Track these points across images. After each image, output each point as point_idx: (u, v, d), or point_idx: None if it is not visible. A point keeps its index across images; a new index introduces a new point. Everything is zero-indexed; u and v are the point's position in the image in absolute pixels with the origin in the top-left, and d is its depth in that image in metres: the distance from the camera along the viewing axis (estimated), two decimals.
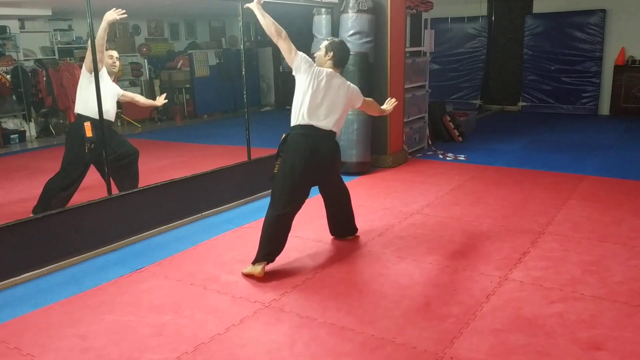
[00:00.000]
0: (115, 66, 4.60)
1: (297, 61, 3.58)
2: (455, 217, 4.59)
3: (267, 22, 3.64)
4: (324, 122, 3.60)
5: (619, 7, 9.82)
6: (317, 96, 3.56)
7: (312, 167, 3.60)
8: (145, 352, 2.70)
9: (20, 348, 2.78)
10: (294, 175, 3.57)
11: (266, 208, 3.65)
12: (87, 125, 4.29)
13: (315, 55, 3.76)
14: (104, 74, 4.42)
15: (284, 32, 3.63)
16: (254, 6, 3.70)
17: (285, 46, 3.61)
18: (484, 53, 11.25)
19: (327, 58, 3.67)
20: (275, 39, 3.64)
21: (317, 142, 3.60)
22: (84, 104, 4.38)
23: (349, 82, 3.75)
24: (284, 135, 3.73)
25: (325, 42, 3.73)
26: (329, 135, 3.64)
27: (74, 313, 3.13)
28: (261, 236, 3.58)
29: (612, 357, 2.54)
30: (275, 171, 3.71)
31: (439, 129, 7.93)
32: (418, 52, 7.58)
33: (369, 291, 3.29)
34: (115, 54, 4.58)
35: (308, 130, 3.58)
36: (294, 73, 3.66)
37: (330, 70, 3.65)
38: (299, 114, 3.60)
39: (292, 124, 3.65)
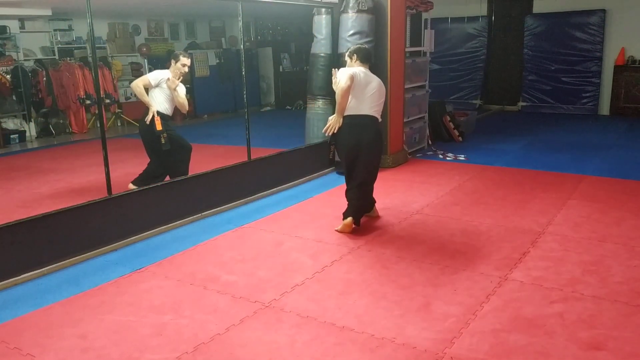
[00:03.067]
0: (185, 73, 5.08)
1: (351, 83, 4.13)
2: (455, 217, 4.59)
3: (341, 101, 4.18)
4: (372, 110, 4.30)
5: (619, 7, 9.82)
6: (362, 90, 4.22)
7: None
8: (145, 352, 2.70)
9: (20, 348, 2.78)
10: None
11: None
12: (157, 119, 4.96)
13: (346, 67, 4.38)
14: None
15: (341, 89, 4.13)
16: (334, 120, 4.28)
17: (347, 87, 4.12)
18: (484, 53, 11.24)
19: (354, 61, 4.36)
20: (348, 95, 4.18)
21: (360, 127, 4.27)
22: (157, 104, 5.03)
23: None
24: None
25: (347, 54, 4.42)
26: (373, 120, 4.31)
27: (74, 313, 3.13)
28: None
29: (612, 357, 2.55)
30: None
31: (439, 129, 7.93)
32: (418, 52, 7.58)
33: (369, 291, 3.29)
34: (188, 62, 5.04)
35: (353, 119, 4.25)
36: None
37: (362, 68, 4.29)
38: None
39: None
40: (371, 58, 4.45)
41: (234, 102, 11.50)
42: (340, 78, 4.18)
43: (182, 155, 5.15)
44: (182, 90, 5.06)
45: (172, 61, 5.00)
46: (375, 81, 4.30)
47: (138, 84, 4.96)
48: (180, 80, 5.04)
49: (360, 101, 4.21)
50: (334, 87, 4.27)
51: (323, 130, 4.40)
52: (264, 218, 4.76)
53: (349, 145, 4.27)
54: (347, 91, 4.12)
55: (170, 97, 5.03)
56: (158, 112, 4.98)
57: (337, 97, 4.21)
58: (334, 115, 4.28)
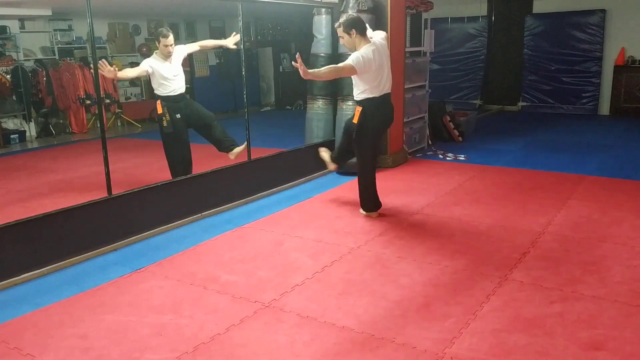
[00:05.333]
0: (169, 52, 5.01)
1: (360, 68, 4.05)
2: (455, 217, 4.59)
3: (324, 75, 4.10)
4: (388, 86, 4.33)
5: (619, 7, 9.82)
6: (380, 69, 4.20)
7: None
8: (145, 352, 2.70)
9: (20, 348, 2.78)
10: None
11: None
12: (158, 103, 5.02)
13: (343, 44, 4.30)
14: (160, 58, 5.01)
15: (336, 68, 4.12)
16: (306, 75, 4.03)
17: (345, 73, 4.09)
18: (484, 53, 11.25)
19: (354, 36, 4.15)
20: (338, 76, 4.20)
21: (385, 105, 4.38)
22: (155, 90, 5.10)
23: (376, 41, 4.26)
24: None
25: (340, 29, 4.18)
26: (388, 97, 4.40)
27: (74, 313, 3.13)
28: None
29: (612, 357, 2.55)
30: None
31: (439, 129, 7.93)
32: (418, 52, 7.58)
33: (369, 291, 3.29)
34: (169, 42, 4.95)
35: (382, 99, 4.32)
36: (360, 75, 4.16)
37: (369, 44, 4.15)
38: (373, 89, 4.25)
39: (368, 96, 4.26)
40: (365, 26, 4.30)
41: (234, 102, 11.49)
42: (352, 58, 4.09)
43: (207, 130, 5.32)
44: (131, 71, 5.06)
45: (157, 43, 5.05)
46: (385, 54, 4.24)
47: (127, 74, 5.07)
48: (169, 59, 5.00)
49: (380, 80, 4.22)
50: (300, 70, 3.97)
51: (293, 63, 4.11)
52: (264, 218, 4.76)
53: (379, 127, 4.39)
54: (339, 74, 4.13)
55: (166, 78, 5.00)
56: (159, 97, 5.05)
57: (327, 70, 4.12)
58: (308, 69, 4.00)
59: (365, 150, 4.45)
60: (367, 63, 4.10)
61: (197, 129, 5.33)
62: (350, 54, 4.21)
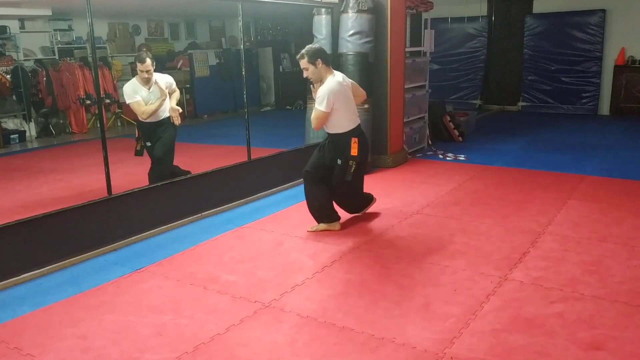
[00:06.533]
0: (145, 78, 4.83)
1: (332, 106, 3.98)
2: (455, 217, 4.59)
3: (315, 125, 4.10)
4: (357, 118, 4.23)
5: (619, 7, 9.82)
6: (348, 99, 4.12)
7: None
8: (145, 352, 2.70)
9: (20, 348, 2.78)
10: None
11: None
12: (137, 125, 4.98)
13: (306, 77, 4.08)
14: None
15: (314, 118, 4.05)
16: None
17: (324, 118, 4.03)
18: (484, 53, 11.24)
19: (320, 66, 4.00)
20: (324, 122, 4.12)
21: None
22: None
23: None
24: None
25: (304, 59, 3.97)
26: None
27: (74, 313, 3.13)
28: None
29: (612, 357, 2.54)
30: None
31: (439, 129, 7.93)
32: (418, 52, 7.58)
33: (369, 291, 3.29)
34: (145, 68, 4.75)
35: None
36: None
37: (335, 76, 4.04)
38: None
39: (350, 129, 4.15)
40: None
41: (234, 102, 11.49)
42: (320, 97, 3.97)
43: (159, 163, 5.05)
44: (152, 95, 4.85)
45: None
46: (348, 84, 4.15)
47: (142, 108, 4.82)
48: (152, 86, 4.82)
49: (353, 109, 4.18)
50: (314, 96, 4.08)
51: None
52: (264, 218, 4.76)
53: (366, 153, 4.41)
54: (327, 116, 4.01)
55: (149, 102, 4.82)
56: (136, 122, 5.01)
57: (313, 120, 4.04)
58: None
59: (357, 181, 4.33)
60: (336, 96, 3.99)
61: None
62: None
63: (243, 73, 5.42)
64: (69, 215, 3.92)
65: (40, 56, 9.60)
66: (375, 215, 4.71)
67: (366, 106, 6.07)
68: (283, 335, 2.83)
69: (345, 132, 4.13)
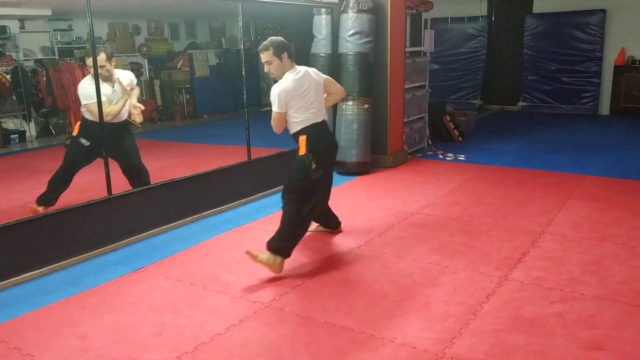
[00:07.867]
0: (101, 74, 4.40)
1: (285, 105, 3.65)
2: (455, 217, 4.59)
3: (275, 128, 3.77)
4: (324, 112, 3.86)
5: (619, 7, 9.82)
6: (305, 97, 3.69)
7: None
8: (145, 352, 2.70)
9: (20, 348, 2.78)
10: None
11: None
12: (77, 124, 4.66)
13: (268, 72, 3.74)
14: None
15: (273, 122, 3.76)
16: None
17: (281, 119, 3.72)
18: (484, 53, 11.24)
19: (285, 61, 3.65)
20: (282, 124, 3.77)
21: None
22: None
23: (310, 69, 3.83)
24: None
25: (269, 51, 3.61)
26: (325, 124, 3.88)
27: (74, 313, 3.13)
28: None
29: (612, 357, 2.54)
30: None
31: (439, 129, 7.93)
32: (418, 52, 7.58)
33: (369, 291, 3.29)
34: (99, 61, 4.30)
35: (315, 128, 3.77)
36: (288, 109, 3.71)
37: (296, 72, 3.68)
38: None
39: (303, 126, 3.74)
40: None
41: (234, 102, 11.49)
42: (272, 97, 3.67)
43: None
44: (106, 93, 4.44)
45: None
46: (315, 80, 3.74)
47: (106, 109, 4.43)
48: (115, 84, 4.52)
49: (316, 106, 3.73)
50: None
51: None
52: (264, 218, 4.76)
53: (330, 157, 3.87)
54: (283, 117, 3.67)
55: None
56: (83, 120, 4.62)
57: (272, 122, 3.73)
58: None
59: (314, 187, 3.72)
60: (288, 94, 3.62)
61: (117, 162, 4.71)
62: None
63: (243, 73, 5.42)
64: (69, 215, 3.92)
65: (40, 56, 9.60)
66: (375, 215, 4.71)
67: (366, 106, 6.08)
68: (283, 336, 2.83)
69: (297, 132, 3.76)
